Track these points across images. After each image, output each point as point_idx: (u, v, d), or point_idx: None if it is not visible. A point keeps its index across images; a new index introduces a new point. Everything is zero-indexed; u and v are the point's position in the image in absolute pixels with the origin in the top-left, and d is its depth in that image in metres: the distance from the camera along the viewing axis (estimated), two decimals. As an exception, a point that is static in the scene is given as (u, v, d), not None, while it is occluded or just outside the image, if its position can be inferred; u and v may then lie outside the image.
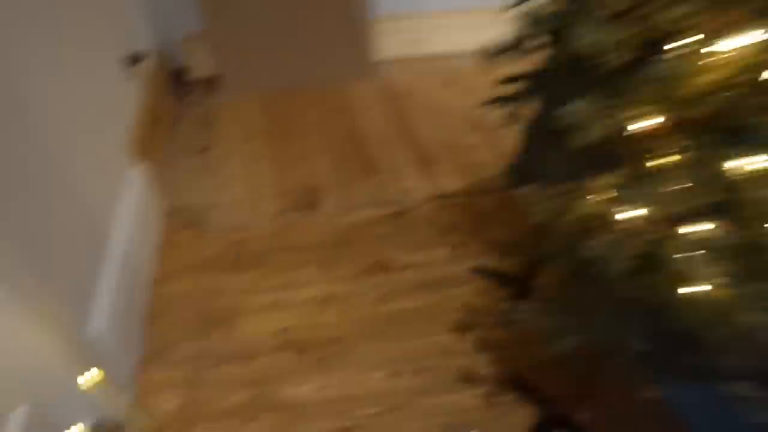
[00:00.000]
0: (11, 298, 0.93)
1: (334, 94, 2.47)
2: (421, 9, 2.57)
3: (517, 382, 1.36)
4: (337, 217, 1.85)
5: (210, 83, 2.48)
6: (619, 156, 0.82)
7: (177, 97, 2.43)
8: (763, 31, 0.66)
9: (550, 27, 0.95)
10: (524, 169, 1.61)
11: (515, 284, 1.54)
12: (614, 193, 0.82)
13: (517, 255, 1.55)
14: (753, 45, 0.67)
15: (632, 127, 0.77)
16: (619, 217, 0.79)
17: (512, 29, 1.00)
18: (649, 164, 0.78)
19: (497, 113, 1.25)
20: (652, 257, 0.77)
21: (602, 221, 0.81)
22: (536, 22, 0.97)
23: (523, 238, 1.60)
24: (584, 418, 1.25)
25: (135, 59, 1.83)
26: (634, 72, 0.75)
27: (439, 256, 1.71)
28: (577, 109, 0.79)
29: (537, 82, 1.16)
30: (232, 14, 2.28)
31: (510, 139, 1.89)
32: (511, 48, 1.02)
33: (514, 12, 1.01)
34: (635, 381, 1.07)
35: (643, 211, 0.78)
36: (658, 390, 1.06)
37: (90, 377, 1.03)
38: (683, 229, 0.76)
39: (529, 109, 1.26)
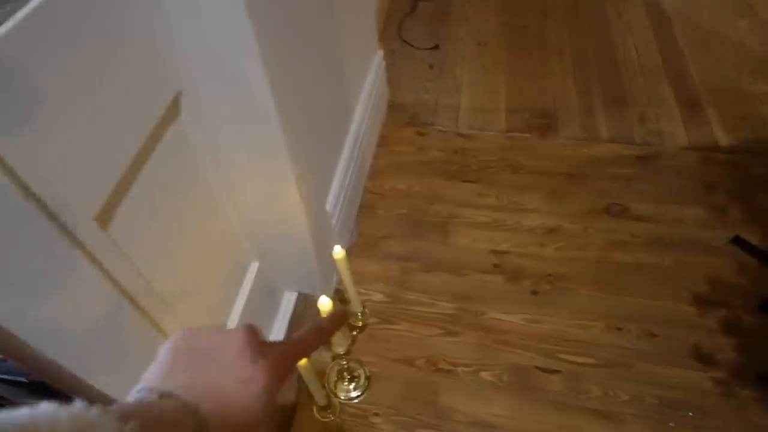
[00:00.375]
0: (287, 165, 0.94)
1: (589, 5, 2.16)
2: None
3: (762, 379, 1.14)
4: (575, 147, 1.64)
5: None
6: None
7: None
8: None
9: None
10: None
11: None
12: None
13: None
14: None
15: None
16: None
17: None
18: None
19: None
20: None
21: None
22: None
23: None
24: None
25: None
26: None
27: (690, 216, 1.44)
28: None
29: None
30: None
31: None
32: None
33: None
34: None
35: None
36: None
37: (338, 250, 1.03)
38: None
39: None
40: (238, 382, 0.32)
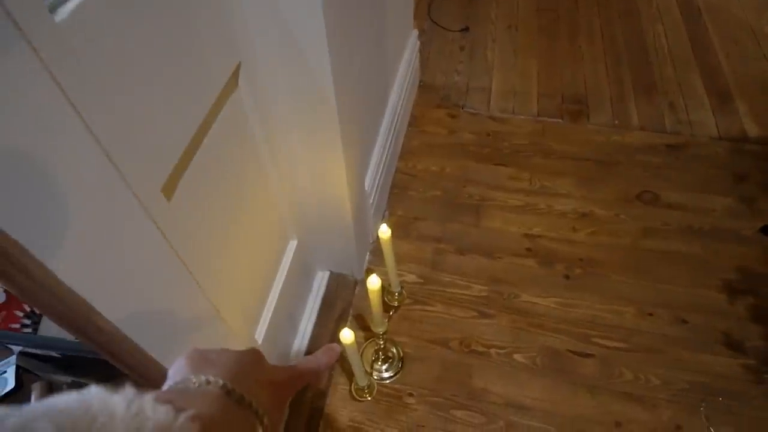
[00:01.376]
0: (339, 143, 0.90)
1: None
2: None
3: None
4: (606, 133, 1.58)
5: None
6: None
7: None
8: None
9: None
10: None
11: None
12: None
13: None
14: None
15: None
16: None
17: None
18: None
19: None
20: None
21: None
22: None
23: None
24: None
25: None
26: None
27: (720, 205, 1.39)
28: None
29: None
30: None
31: None
32: None
33: None
34: None
35: None
36: None
37: (384, 229, 0.99)
38: None
39: None
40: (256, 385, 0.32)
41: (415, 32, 1.60)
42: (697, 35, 1.87)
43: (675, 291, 1.24)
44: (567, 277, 1.27)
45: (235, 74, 0.73)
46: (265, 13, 0.70)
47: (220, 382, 0.28)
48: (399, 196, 1.46)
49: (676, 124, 1.58)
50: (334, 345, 0.40)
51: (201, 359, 0.31)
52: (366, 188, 1.20)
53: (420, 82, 1.76)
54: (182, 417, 0.23)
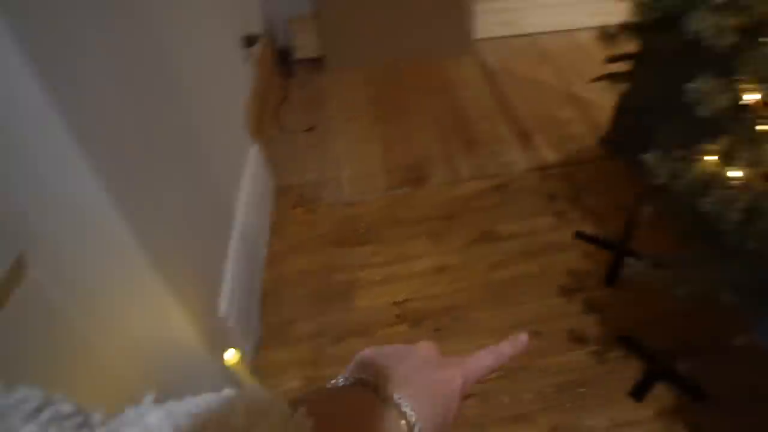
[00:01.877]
0: (162, 286, 0.90)
1: (436, 71, 2.40)
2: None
3: (622, 340, 1.30)
4: (444, 191, 1.78)
5: (315, 63, 2.48)
6: (731, 123, 0.87)
7: (283, 77, 2.45)
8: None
9: (662, 12, 1.03)
10: (622, 139, 1.66)
11: (614, 247, 1.47)
12: (726, 155, 0.87)
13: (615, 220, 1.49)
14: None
15: (745, 99, 0.84)
16: (730, 174, 0.87)
17: (625, 11, 1.10)
18: (757, 129, 0.83)
19: (592, 88, 1.33)
20: (759, 210, 0.83)
21: (716, 180, 0.88)
22: (649, 6, 1.05)
23: (619, 203, 1.58)
24: (685, 368, 1.22)
25: (250, 41, 1.82)
26: (742, 53, 0.83)
27: (543, 225, 1.61)
28: (701, 85, 0.85)
29: (643, 62, 1.27)
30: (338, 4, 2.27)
31: (602, 113, 1.86)
32: (624, 29, 1.14)
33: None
34: (733, 331, 1.18)
35: (751, 170, 0.84)
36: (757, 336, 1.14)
37: (231, 355, 1.00)
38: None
39: (627, 85, 1.34)
40: (434, 379, 0.32)
41: (256, 146, 1.71)
42: (496, 93, 2.21)
43: (526, 309, 1.39)
44: (437, 330, 1.38)
45: (20, 263, 0.73)
46: (46, 200, 0.74)
47: (368, 380, 0.30)
48: (271, 303, 1.49)
49: (497, 168, 1.83)
50: (523, 335, 0.39)
51: (371, 355, 0.33)
52: (222, 313, 1.18)
53: (276, 187, 1.87)
54: (299, 411, 0.24)
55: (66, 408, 0.21)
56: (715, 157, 0.90)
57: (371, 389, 0.30)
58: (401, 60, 2.43)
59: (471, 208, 1.70)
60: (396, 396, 0.30)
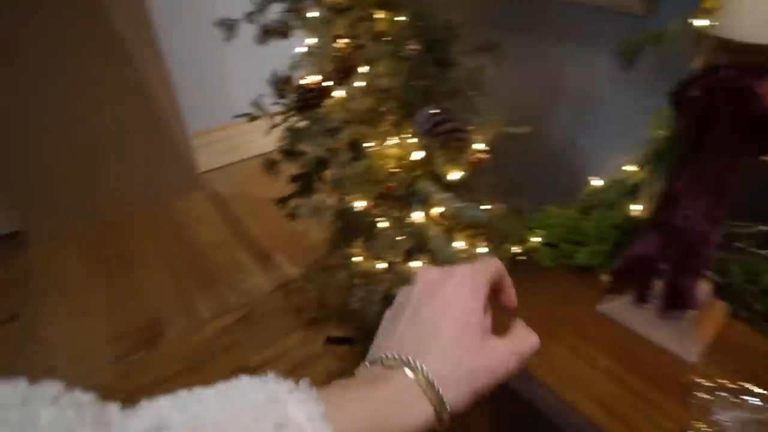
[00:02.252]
0: None
1: (164, 216, 2.32)
2: (229, 122, 2.62)
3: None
4: (185, 341, 1.67)
5: (13, 238, 2.14)
6: (360, 225, 1.00)
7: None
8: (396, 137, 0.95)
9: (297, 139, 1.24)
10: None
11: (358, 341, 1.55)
12: (365, 253, 0.99)
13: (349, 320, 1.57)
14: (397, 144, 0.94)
15: (357, 206, 0.97)
16: (375, 267, 0.98)
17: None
18: (377, 227, 0.95)
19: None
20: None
21: (365, 274, 0.99)
22: (294, 135, 1.25)
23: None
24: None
25: None
26: (350, 167, 0.97)
27: (294, 342, 1.62)
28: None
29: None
30: (30, 169, 2.06)
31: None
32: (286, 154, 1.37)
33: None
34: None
35: (383, 263, 0.96)
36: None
37: None
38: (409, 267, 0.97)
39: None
40: (474, 367, 0.30)
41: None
42: (231, 221, 2.25)
43: None
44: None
45: None
46: None
47: (399, 357, 0.30)
48: None
49: (239, 297, 1.82)
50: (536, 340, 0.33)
51: (412, 312, 0.33)
52: None
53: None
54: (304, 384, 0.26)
55: (84, 397, 0.23)
56: (360, 256, 1.06)
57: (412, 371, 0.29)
58: (124, 214, 2.30)
59: (218, 348, 1.63)
60: (436, 383, 0.29)
